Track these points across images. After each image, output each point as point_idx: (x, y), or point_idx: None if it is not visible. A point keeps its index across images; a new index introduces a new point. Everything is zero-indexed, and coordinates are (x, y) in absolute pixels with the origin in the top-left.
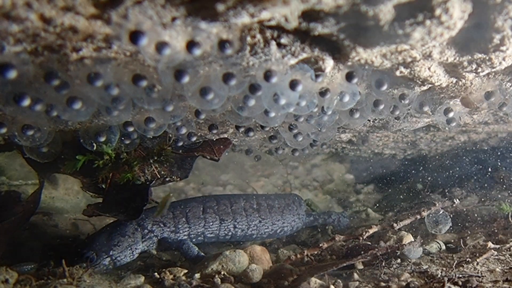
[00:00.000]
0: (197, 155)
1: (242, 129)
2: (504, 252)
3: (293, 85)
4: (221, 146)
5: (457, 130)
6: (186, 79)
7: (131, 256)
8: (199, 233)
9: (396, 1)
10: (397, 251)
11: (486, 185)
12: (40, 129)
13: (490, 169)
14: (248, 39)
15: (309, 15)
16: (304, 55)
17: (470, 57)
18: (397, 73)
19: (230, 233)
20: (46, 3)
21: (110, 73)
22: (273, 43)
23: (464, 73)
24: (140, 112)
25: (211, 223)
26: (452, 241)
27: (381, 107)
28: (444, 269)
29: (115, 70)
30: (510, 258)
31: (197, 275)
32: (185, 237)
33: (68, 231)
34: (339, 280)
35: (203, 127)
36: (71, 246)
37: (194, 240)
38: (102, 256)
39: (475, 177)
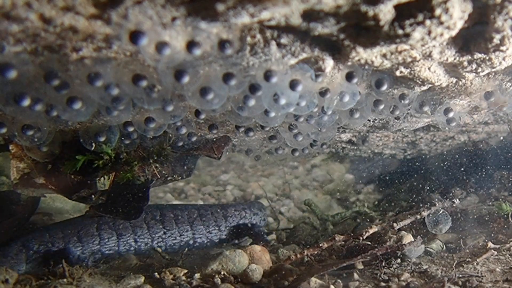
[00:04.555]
0: (197, 154)
1: (242, 129)
2: (504, 252)
3: (293, 85)
4: (221, 144)
5: (457, 130)
6: (186, 79)
7: None
8: (95, 251)
9: (396, 1)
10: (397, 251)
11: (486, 185)
12: (40, 129)
13: (490, 169)
14: (248, 39)
15: (309, 15)
16: (304, 55)
17: (470, 57)
18: (397, 73)
19: (132, 248)
20: (46, 3)
21: (110, 73)
22: (273, 43)
23: (464, 73)
24: (140, 112)
25: (107, 240)
26: (452, 241)
27: (381, 107)
28: (444, 269)
29: (115, 70)
30: (510, 258)
31: (197, 275)
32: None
33: None
34: (339, 280)
35: (203, 127)
36: None
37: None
38: None
39: (475, 177)
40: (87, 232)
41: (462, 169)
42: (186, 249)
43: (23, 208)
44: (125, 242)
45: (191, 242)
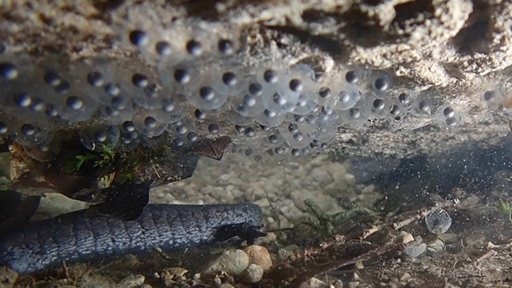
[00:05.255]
0: (197, 154)
1: (242, 129)
2: (504, 252)
3: (293, 85)
4: (220, 145)
5: (457, 130)
6: (186, 79)
7: None
8: (71, 252)
9: (396, 1)
10: (397, 251)
11: (486, 185)
12: (40, 129)
13: (490, 169)
14: (248, 39)
15: (310, 15)
16: (304, 55)
17: (470, 57)
18: (397, 73)
19: (110, 248)
20: (47, 3)
21: (110, 73)
22: (273, 43)
23: (464, 73)
24: (140, 112)
25: (84, 240)
26: (452, 241)
27: (381, 107)
28: (444, 269)
29: (115, 70)
30: (510, 258)
31: (198, 275)
32: (55, 257)
33: None
34: (339, 280)
35: (203, 127)
36: None
37: (67, 258)
38: None
39: (475, 177)
40: (63, 232)
41: (463, 168)
42: (187, 249)
43: (23, 208)
44: (102, 242)
45: (170, 242)
